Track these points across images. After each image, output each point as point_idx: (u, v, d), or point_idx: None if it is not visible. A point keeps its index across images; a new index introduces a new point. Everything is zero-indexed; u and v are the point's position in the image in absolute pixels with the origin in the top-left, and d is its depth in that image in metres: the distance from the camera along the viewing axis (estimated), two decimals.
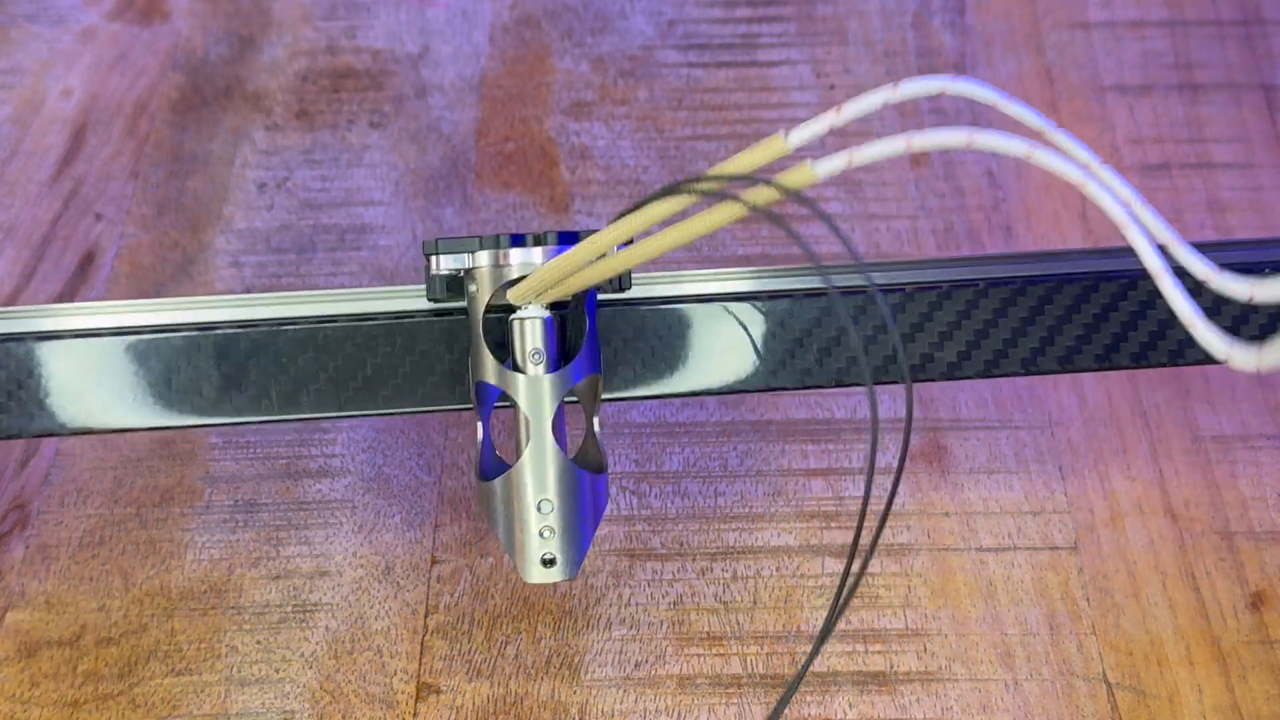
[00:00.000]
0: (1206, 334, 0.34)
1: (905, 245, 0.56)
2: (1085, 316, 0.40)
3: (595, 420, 0.40)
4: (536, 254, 0.38)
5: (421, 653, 0.46)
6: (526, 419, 0.38)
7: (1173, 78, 0.62)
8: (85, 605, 0.47)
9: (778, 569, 0.47)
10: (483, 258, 0.38)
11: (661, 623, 0.46)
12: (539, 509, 0.38)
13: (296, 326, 0.39)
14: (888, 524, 0.49)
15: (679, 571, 0.48)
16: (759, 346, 0.40)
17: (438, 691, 0.45)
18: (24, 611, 0.47)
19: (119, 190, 0.59)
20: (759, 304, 0.40)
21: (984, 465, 0.50)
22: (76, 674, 0.45)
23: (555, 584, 0.47)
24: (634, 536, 0.49)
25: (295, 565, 0.48)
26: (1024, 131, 0.35)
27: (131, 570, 0.48)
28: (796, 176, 0.34)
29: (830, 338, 0.40)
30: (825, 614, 0.46)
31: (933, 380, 0.40)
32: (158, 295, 0.55)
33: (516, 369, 0.38)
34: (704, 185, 0.34)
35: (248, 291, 0.55)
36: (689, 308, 0.40)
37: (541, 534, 0.38)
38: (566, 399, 0.39)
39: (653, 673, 0.45)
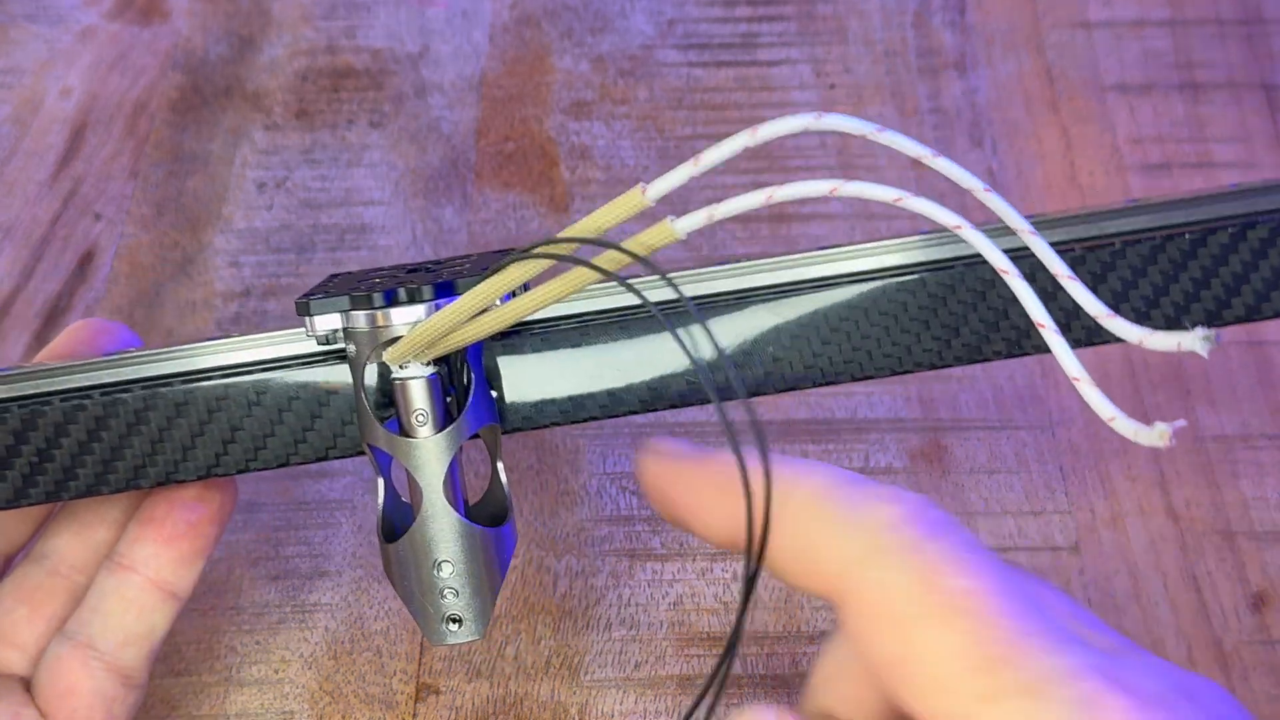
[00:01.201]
0: (1092, 393, 0.33)
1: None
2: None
3: (499, 465, 0.38)
4: (415, 311, 0.36)
5: (421, 653, 0.46)
6: (417, 482, 0.36)
7: (1173, 77, 0.62)
8: None
9: None
10: (358, 318, 0.36)
11: (661, 623, 0.46)
12: (438, 570, 0.37)
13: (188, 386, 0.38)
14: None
15: (679, 572, 0.48)
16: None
17: (437, 692, 0.45)
18: None
19: (118, 190, 0.59)
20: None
21: (984, 465, 0.50)
22: None
23: (554, 582, 0.47)
24: (634, 536, 0.48)
25: (294, 565, 0.48)
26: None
27: None
28: (657, 234, 0.33)
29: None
30: (836, 616, 0.46)
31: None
32: (157, 295, 0.55)
33: (403, 431, 0.36)
34: (559, 249, 0.33)
35: (247, 292, 0.55)
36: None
37: (443, 594, 0.37)
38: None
39: (653, 673, 0.45)
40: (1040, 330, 0.34)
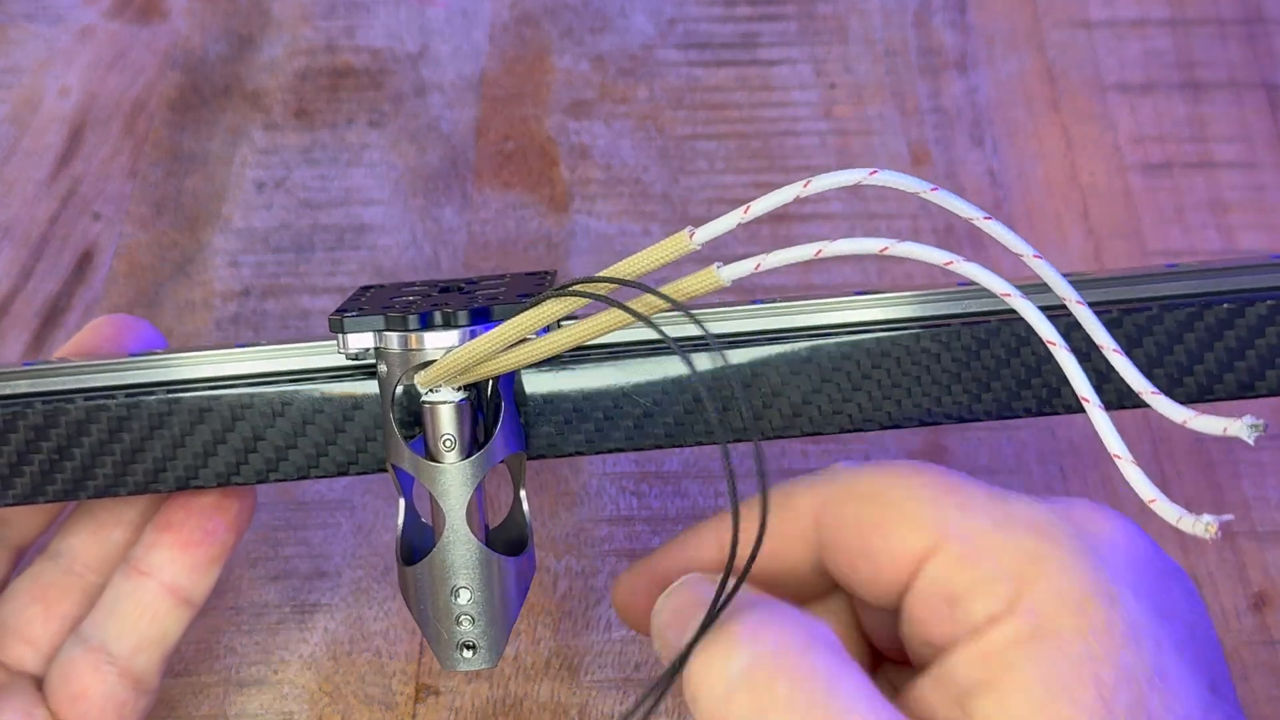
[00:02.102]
0: (1134, 473, 0.33)
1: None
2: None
3: (522, 493, 0.38)
4: (449, 336, 0.35)
5: (420, 654, 0.46)
6: (440, 506, 0.36)
7: (1174, 77, 0.62)
8: None
9: None
10: (391, 339, 0.36)
11: None
12: (456, 596, 0.37)
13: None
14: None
15: None
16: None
17: (436, 693, 0.45)
18: None
19: (117, 189, 0.59)
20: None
21: (985, 466, 0.50)
22: None
23: (555, 582, 0.47)
24: (634, 537, 0.48)
25: (294, 566, 0.48)
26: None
27: None
28: (702, 281, 0.33)
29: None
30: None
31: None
32: (156, 295, 0.55)
33: (430, 455, 0.36)
34: (598, 289, 0.33)
35: (246, 291, 0.55)
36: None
37: (459, 621, 0.37)
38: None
39: (653, 674, 0.45)
40: (1085, 404, 0.33)
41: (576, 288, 0.34)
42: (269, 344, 0.38)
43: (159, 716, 0.44)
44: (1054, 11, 0.64)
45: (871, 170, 0.32)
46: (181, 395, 0.37)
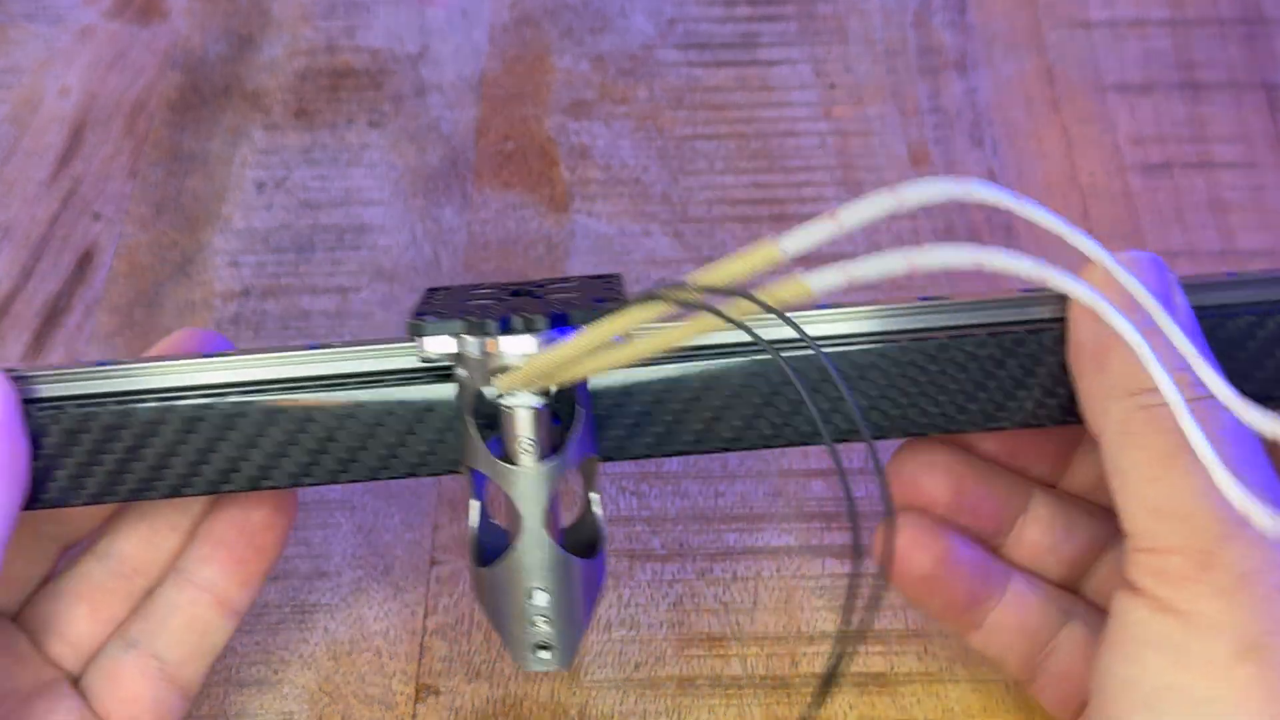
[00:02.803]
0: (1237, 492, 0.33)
1: (905, 245, 0.56)
2: None
3: (594, 496, 0.38)
4: (528, 342, 0.35)
5: (420, 654, 0.46)
6: (517, 509, 0.36)
7: (1174, 77, 0.62)
8: None
9: (778, 570, 0.47)
10: (470, 344, 0.36)
11: (661, 624, 0.46)
12: (531, 598, 0.37)
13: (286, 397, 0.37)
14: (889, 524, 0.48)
15: (679, 572, 0.47)
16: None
17: (436, 693, 0.45)
18: None
19: (117, 190, 0.59)
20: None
21: None
22: None
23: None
24: (634, 537, 0.48)
25: (294, 566, 0.48)
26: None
27: None
28: (791, 290, 0.33)
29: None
30: (836, 617, 0.46)
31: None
32: (156, 295, 0.55)
33: (507, 458, 0.36)
34: (686, 295, 0.33)
35: (246, 291, 0.55)
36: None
37: (534, 622, 0.37)
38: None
39: (652, 674, 0.45)
40: (1174, 407, 0.33)
41: (665, 292, 0.33)
42: (342, 346, 0.38)
43: None
44: (1054, 12, 0.64)
45: (960, 180, 0.32)
46: (253, 398, 0.37)
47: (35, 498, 0.38)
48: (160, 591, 0.41)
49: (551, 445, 0.36)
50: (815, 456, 0.50)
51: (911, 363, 0.38)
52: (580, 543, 0.39)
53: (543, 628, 0.37)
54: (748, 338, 0.35)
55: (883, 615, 0.46)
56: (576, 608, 0.37)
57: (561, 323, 0.36)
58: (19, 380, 0.37)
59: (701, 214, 0.57)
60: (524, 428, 0.36)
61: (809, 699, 0.34)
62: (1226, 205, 0.57)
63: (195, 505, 0.41)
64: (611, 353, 0.34)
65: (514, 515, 0.36)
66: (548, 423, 0.36)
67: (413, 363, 0.38)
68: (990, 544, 0.41)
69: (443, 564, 0.48)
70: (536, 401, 0.36)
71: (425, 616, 0.46)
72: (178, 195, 0.59)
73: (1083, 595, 0.42)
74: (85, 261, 0.57)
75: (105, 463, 0.38)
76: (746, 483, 0.50)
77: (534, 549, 0.36)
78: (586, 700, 0.44)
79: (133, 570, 0.41)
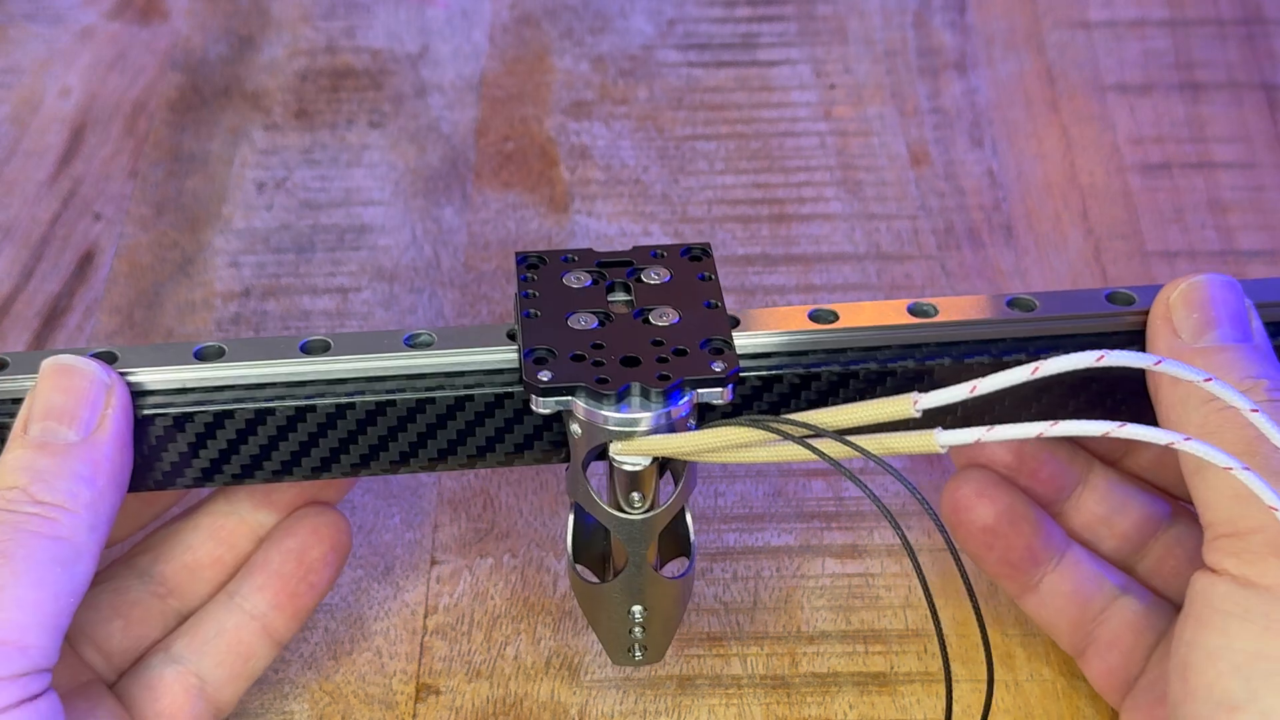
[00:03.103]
0: None
1: (905, 245, 0.56)
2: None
3: (688, 517, 0.40)
4: (641, 420, 0.37)
5: (421, 654, 0.46)
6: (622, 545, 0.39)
7: (1174, 77, 0.62)
8: None
9: (778, 569, 0.47)
10: (584, 409, 0.37)
11: None
12: (632, 614, 0.40)
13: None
14: (887, 527, 0.48)
15: None
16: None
17: (437, 692, 0.45)
18: None
19: (118, 190, 0.59)
20: None
21: None
22: None
23: (555, 582, 0.47)
24: None
25: None
26: None
27: None
28: (915, 443, 0.35)
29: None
30: (836, 616, 0.46)
31: None
32: (157, 295, 0.55)
33: (615, 503, 0.38)
34: (792, 430, 0.35)
35: (247, 292, 0.55)
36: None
37: (633, 630, 0.41)
38: None
39: (652, 673, 0.45)
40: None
41: (782, 428, 0.36)
42: (447, 349, 0.39)
43: None
44: (1054, 12, 0.64)
45: (1099, 355, 0.33)
46: (357, 399, 0.38)
47: (138, 484, 0.39)
48: (208, 612, 0.42)
49: (656, 494, 0.38)
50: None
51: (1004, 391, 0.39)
52: (669, 546, 0.41)
53: (639, 634, 0.41)
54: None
55: (883, 615, 0.46)
56: (670, 617, 0.41)
57: (677, 394, 0.37)
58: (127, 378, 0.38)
59: (701, 214, 0.57)
60: (634, 484, 0.38)
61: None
62: (1226, 205, 0.57)
63: (242, 542, 0.42)
64: (717, 454, 0.37)
65: (618, 549, 0.39)
66: (657, 480, 0.38)
67: (514, 361, 0.39)
68: (1049, 509, 0.43)
69: (443, 564, 0.48)
70: (647, 460, 0.37)
71: (425, 616, 0.46)
72: (178, 195, 0.59)
73: (1136, 574, 0.43)
74: (86, 262, 0.57)
75: (210, 445, 0.39)
76: (746, 483, 0.50)
77: (638, 578, 0.39)
78: (586, 700, 0.44)
79: (168, 592, 0.42)
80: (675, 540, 0.41)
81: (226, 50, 0.64)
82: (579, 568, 0.41)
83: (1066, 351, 0.34)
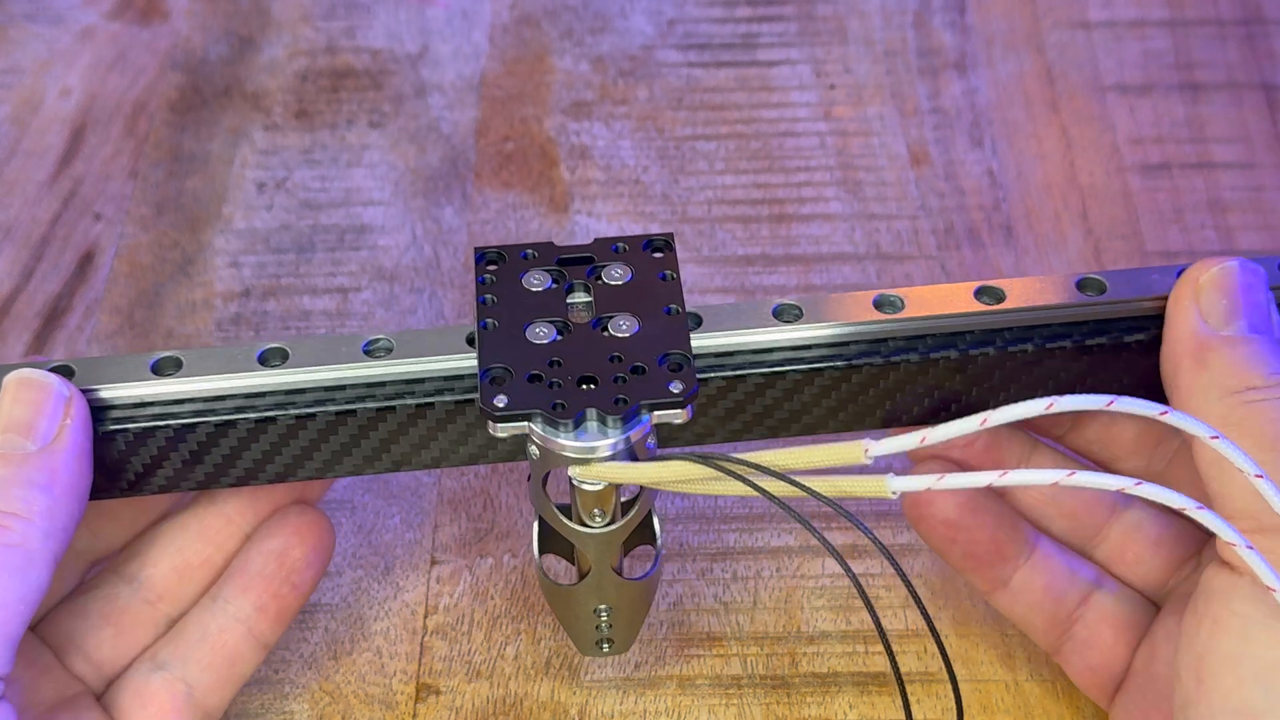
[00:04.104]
0: None
1: (905, 245, 0.56)
2: None
3: (655, 517, 0.40)
4: (599, 446, 0.36)
5: (421, 653, 0.46)
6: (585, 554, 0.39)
7: (1173, 77, 0.62)
8: None
9: (778, 569, 0.47)
10: (541, 433, 0.37)
11: (661, 623, 0.46)
12: (599, 613, 0.41)
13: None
14: (887, 527, 0.48)
15: (679, 572, 0.47)
16: None
17: (437, 692, 0.45)
18: None
19: (118, 190, 0.59)
20: None
21: None
22: None
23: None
24: None
25: None
26: None
27: None
28: (867, 487, 0.35)
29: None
30: (836, 616, 0.46)
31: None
32: (157, 295, 0.55)
33: (578, 518, 0.38)
34: (743, 471, 0.36)
35: (247, 292, 0.55)
36: None
37: (599, 627, 0.41)
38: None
39: (652, 673, 0.45)
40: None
41: (735, 469, 0.36)
42: (406, 358, 0.39)
43: None
44: (1053, 12, 0.64)
45: (1109, 400, 0.34)
46: (317, 410, 0.38)
47: (104, 490, 0.39)
48: (193, 616, 0.41)
49: (619, 511, 0.38)
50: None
51: (1008, 377, 0.39)
52: (635, 535, 0.41)
53: (606, 630, 0.42)
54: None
55: (883, 615, 0.46)
56: (636, 612, 0.41)
57: (634, 418, 0.37)
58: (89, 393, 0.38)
59: (701, 214, 0.58)
60: (594, 502, 0.38)
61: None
62: (1226, 205, 0.57)
63: (229, 542, 0.42)
64: (674, 484, 0.37)
65: (582, 555, 0.40)
66: (616, 497, 0.38)
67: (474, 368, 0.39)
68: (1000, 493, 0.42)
69: (443, 564, 0.48)
70: (604, 483, 0.37)
71: (425, 616, 0.46)
72: (178, 196, 0.59)
73: (1095, 560, 0.42)
74: (86, 262, 0.57)
75: (214, 453, 0.39)
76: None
77: (602, 583, 0.40)
78: (586, 700, 0.44)
79: (158, 598, 0.42)
80: (641, 531, 0.40)
81: (227, 50, 0.64)
82: (544, 568, 0.41)
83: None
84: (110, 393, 0.38)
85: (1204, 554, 0.40)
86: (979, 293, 0.39)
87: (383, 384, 0.39)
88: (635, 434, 0.36)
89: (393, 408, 0.38)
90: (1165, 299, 0.39)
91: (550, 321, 0.38)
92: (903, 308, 0.39)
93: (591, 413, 0.36)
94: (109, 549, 0.42)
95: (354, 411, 0.38)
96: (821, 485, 0.35)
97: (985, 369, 0.39)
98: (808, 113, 0.61)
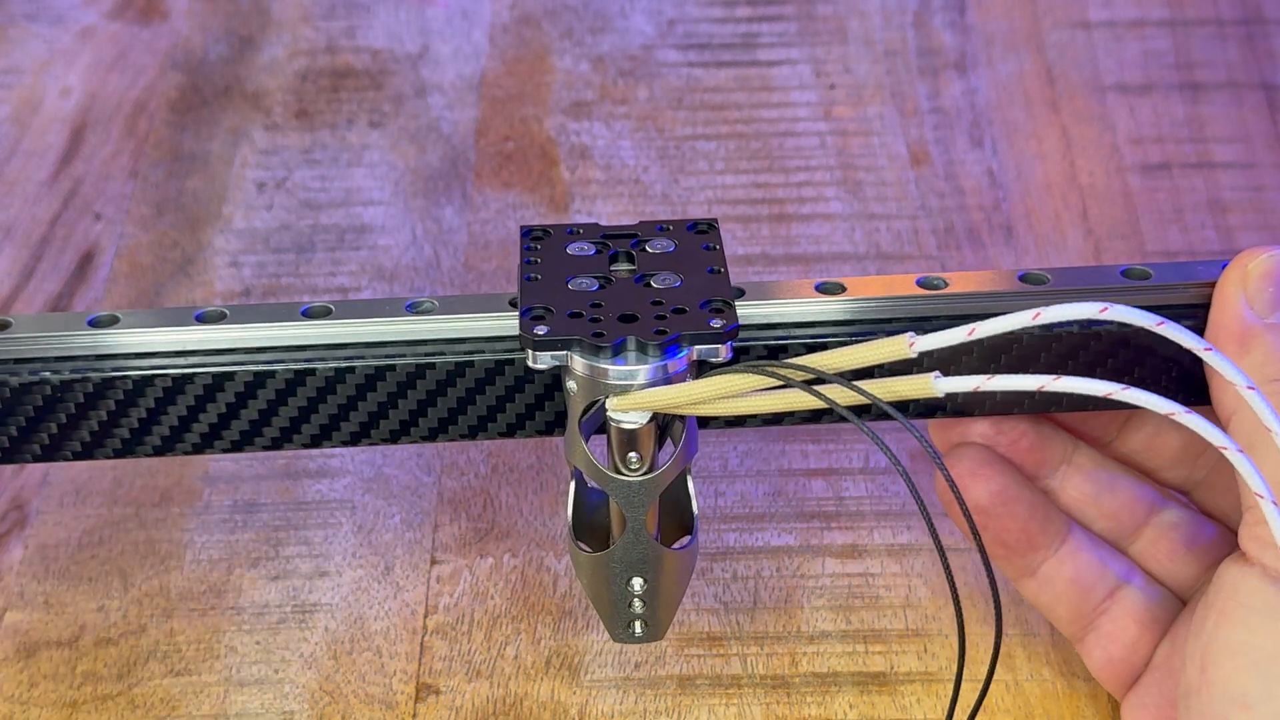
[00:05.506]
0: None
1: (905, 245, 0.56)
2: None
3: (690, 485, 0.39)
4: (638, 372, 0.36)
5: (421, 653, 0.46)
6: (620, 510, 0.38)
7: (1173, 77, 0.62)
8: (84, 606, 0.47)
9: (778, 569, 0.47)
10: (581, 365, 0.36)
11: None
12: (631, 584, 0.39)
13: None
14: (887, 526, 0.48)
15: None
16: None
17: (437, 692, 0.45)
18: (22, 612, 0.47)
19: (118, 190, 0.59)
20: None
21: None
22: (75, 674, 0.45)
23: (554, 582, 0.47)
24: None
25: (294, 566, 0.48)
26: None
27: (130, 570, 0.48)
28: (915, 388, 0.35)
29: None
30: (835, 616, 0.46)
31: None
32: (157, 295, 0.55)
33: (614, 465, 0.37)
34: (794, 374, 0.35)
35: (247, 292, 0.55)
36: None
37: (632, 604, 0.40)
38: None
39: (652, 673, 0.45)
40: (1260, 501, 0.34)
41: (782, 372, 0.35)
42: (449, 315, 0.39)
43: (160, 715, 0.44)
44: (1053, 12, 0.64)
45: (1103, 307, 0.34)
46: (356, 362, 0.38)
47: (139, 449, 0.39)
48: None
49: (655, 460, 0.38)
50: (815, 457, 0.50)
51: (1054, 361, 0.39)
52: (675, 525, 0.40)
53: (639, 608, 0.40)
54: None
55: (883, 615, 0.46)
56: (671, 591, 0.40)
57: (674, 349, 0.36)
58: None
59: (701, 214, 0.58)
60: (631, 444, 0.37)
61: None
62: (1226, 205, 0.57)
63: None
64: (718, 405, 0.36)
65: (616, 511, 0.38)
66: (655, 440, 0.37)
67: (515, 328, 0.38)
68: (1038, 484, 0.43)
69: (443, 564, 0.48)
70: (645, 419, 0.37)
71: (425, 616, 0.46)
72: (178, 195, 0.59)
73: (1129, 556, 0.42)
74: (86, 261, 0.57)
75: (205, 417, 0.39)
76: (746, 483, 0.50)
77: (637, 546, 0.38)
78: (586, 700, 0.44)
79: None
80: (678, 518, 0.40)
81: (227, 50, 0.64)
82: (579, 543, 0.40)
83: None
84: (149, 338, 0.38)
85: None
86: (1023, 277, 0.39)
87: (423, 341, 0.38)
88: (674, 364, 0.36)
89: (432, 364, 0.38)
90: (1210, 285, 0.39)
91: (593, 276, 0.38)
92: (946, 287, 0.39)
93: (631, 341, 0.36)
94: None
95: (393, 366, 0.38)
96: (871, 388, 0.35)
97: (1031, 350, 0.39)
98: (808, 112, 0.61)
